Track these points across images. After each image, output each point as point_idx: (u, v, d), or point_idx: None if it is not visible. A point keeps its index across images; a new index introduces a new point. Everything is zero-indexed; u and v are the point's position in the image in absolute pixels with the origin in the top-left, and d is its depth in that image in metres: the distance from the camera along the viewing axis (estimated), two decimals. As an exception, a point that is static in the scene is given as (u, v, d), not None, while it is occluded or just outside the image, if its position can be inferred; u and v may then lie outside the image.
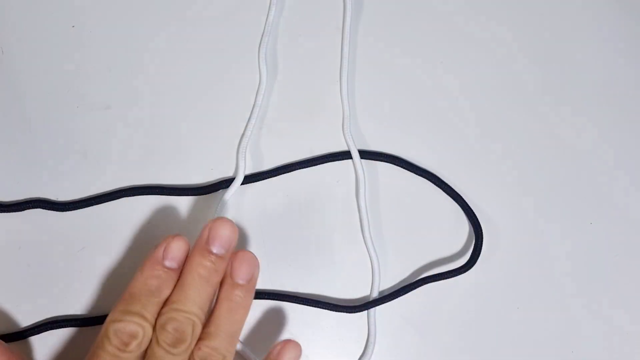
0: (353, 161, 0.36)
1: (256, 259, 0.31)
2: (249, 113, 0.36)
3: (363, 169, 0.36)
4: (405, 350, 0.36)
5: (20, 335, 0.33)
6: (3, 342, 0.31)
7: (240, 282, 0.30)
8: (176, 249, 0.29)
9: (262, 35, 0.36)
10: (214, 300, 0.30)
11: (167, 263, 0.29)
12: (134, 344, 0.27)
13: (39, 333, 0.34)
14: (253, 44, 0.37)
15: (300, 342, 0.34)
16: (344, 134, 0.36)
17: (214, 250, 0.29)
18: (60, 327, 0.34)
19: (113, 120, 0.35)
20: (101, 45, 0.36)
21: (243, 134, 0.35)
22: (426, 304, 0.36)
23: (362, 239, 0.36)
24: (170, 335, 0.28)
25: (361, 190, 0.35)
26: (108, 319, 0.28)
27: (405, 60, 0.37)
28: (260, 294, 0.35)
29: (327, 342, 0.36)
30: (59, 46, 0.35)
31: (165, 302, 0.29)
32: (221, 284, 0.30)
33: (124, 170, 0.35)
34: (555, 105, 0.37)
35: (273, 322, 0.35)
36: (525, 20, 0.38)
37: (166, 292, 0.29)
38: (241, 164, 0.35)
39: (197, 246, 0.30)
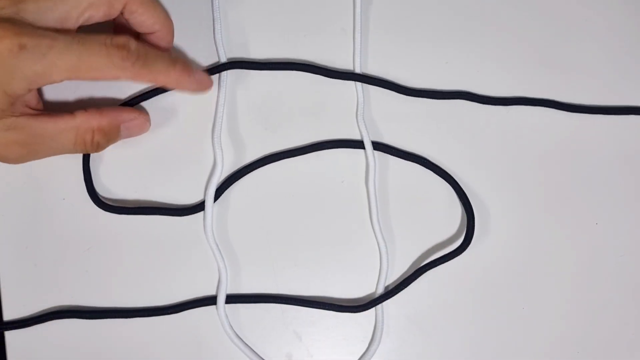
0: (365, 148, 0.36)
1: None
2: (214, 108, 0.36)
3: (374, 156, 0.35)
4: (407, 349, 0.36)
5: (23, 324, 0.34)
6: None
7: None
8: None
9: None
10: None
11: None
12: None
13: (42, 322, 0.34)
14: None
15: (305, 342, 0.35)
16: (357, 121, 0.36)
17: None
18: (64, 318, 0.34)
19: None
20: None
21: (214, 125, 0.35)
22: (428, 300, 0.36)
23: (366, 232, 0.36)
24: None
25: (371, 177, 0.35)
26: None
27: (410, 54, 0.37)
28: (266, 298, 0.35)
29: (332, 341, 0.35)
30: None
31: None
32: None
33: (127, 171, 0.35)
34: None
35: (278, 322, 0.35)
36: (529, 20, 0.37)
37: None
38: (218, 153, 0.35)
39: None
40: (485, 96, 0.36)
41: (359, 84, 0.35)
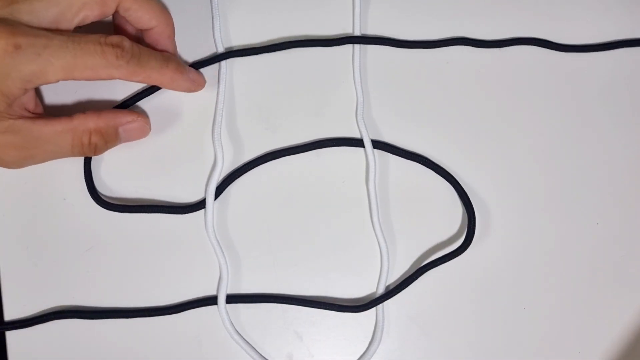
0: (365, 147, 0.36)
1: None
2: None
3: (374, 155, 0.35)
4: (408, 349, 0.35)
5: (24, 324, 0.34)
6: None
7: None
8: None
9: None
10: None
11: None
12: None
13: (43, 322, 0.34)
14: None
15: (306, 341, 0.35)
16: (357, 121, 0.36)
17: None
18: (66, 318, 0.34)
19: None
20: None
21: (214, 121, 0.35)
22: (429, 300, 0.36)
23: (367, 232, 0.36)
24: None
25: (371, 176, 0.35)
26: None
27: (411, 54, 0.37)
28: (267, 298, 0.35)
29: (333, 341, 0.35)
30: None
31: None
32: None
33: (128, 170, 0.35)
34: (561, 103, 0.37)
35: (279, 322, 0.35)
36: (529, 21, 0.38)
37: None
38: (218, 150, 0.35)
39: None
40: (480, 40, 0.37)
41: (357, 81, 0.36)
